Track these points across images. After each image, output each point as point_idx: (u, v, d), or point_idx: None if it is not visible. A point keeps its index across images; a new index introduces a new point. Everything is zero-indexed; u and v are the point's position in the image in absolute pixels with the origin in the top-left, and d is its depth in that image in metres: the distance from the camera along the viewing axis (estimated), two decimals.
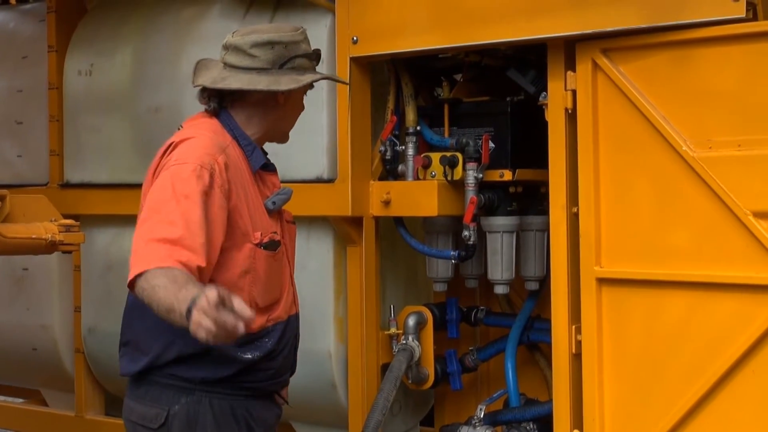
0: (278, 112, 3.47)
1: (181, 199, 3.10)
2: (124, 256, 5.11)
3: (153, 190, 3.20)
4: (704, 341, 3.57)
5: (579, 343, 3.85)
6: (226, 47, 3.44)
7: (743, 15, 3.45)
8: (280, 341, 3.42)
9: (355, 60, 4.30)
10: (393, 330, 4.41)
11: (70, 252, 4.40)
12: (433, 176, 4.28)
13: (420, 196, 4.27)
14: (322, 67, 4.42)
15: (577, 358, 3.87)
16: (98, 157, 5.31)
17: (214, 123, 3.42)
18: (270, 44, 3.39)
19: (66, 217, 4.35)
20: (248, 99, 3.42)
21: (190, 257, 3.01)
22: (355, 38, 4.27)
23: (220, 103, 3.44)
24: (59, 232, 4.16)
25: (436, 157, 4.29)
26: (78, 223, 4.32)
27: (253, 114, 3.44)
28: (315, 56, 3.49)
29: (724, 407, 3.55)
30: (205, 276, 3.09)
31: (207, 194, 3.14)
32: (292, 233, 3.61)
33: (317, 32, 4.46)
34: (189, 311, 2.75)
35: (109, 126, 5.24)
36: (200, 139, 3.29)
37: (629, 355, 3.75)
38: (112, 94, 5.23)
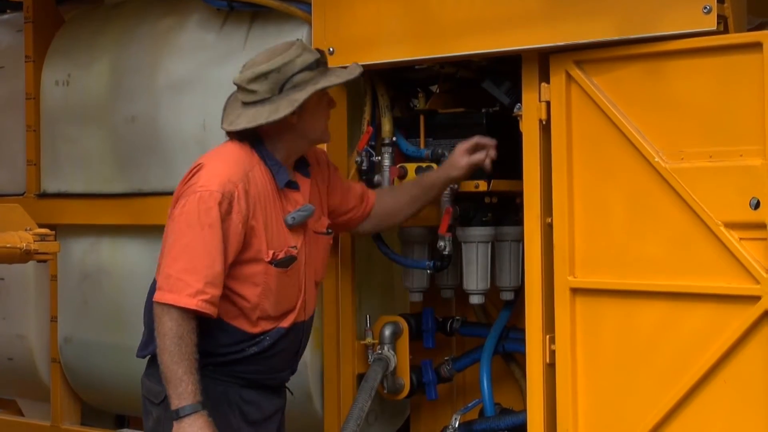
0: (296, 129, 3.66)
1: (206, 227, 3.48)
2: (101, 266, 5.21)
3: (181, 212, 3.53)
4: (677, 351, 3.59)
5: (553, 353, 3.86)
6: (235, 86, 3.65)
7: (714, 27, 3.47)
8: (278, 343, 3.71)
9: None
10: (369, 340, 4.41)
11: (45, 261, 4.40)
12: None
13: None
14: None
15: (551, 367, 3.88)
16: (75, 166, 5.31)
17: (243, 146, 3.66)
18: (263, 75, 3.57)
19: (43, 226, 4.34)
20: (265, 129, 3.63)
21: (213, 293, 3.48)
22: (331, 49, 4.29)
23: (246, 136, 3.66)
24: (34, 241, 4.16)
25: (411, 167, 4.31)
26: (53, 232, 4.31)
27: (275, 140, 3.68)
28: (316, 64, 3.62)
29: (697, 416, 3.57)
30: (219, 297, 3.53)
31: (225, 221, 3.51)
32: (321, 243, 3.86)
33: None
34: (176, 417, 3.40)
35: (86, 136, 5.25)
36: (224, 165, 3.59)
37: (602, 364, 3.76)
38: (89, 104, 5.24)
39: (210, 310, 3.49)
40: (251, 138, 3.67)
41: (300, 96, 3.55)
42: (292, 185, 3.72)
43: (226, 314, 3.63)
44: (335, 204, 4.02)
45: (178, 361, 3.41)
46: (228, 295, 3.61)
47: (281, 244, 3.65)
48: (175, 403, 3.42)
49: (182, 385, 3.41)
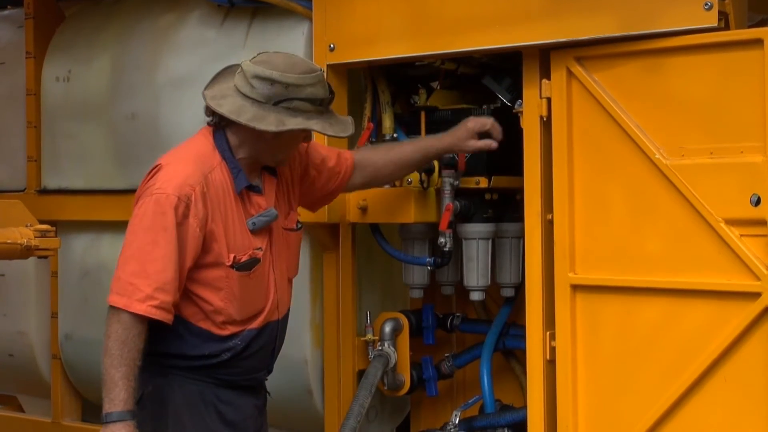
0: (267, 143, 3.58)
1: (159, 231, 3.40)
2: (101, 262, 5.20)
3: (137, 214, 3.47)
4: (677, 348, 3.59)
5: (553, 350, 3.86)
6: (240, 67, 3.56)
7: (715, 24, 3.47)
8: (251, 344, 3.64)
9: (332, 67, 4.31)
10: (369, 336, 4.42)
11: (45, 257, 4.39)
12: (410, 183, 4.29)
13: (396, 203, 4.29)
14: None
15: (551, 364, 3.88)
16: (75, 163, 5.31)
17: (206, 144, 3.59)
18: (270, 81, 3.48)
19: (43, 222, 4.34)
20: (240, 124, 3.52)
21: (163, 299, 3.39)
22: (332, 45, 4.29)
23: (220, 118, 3.57)
24: (35, 237, 4.16)
25: None
26: (53, 228, 4.31)
27: (245, 139, 3.58)
28: (320, 102, 3.53)
29: (696, 414, 3.57)
30: (173, 303, 3.45)
31: (182, 225, 3.43)
32: (291, 239, 3.80)
33: (294, 39, 4.48)
34: (103, 422, 3.37)
35: (86, 132, 5.25)
36: (183, 166, 3.50)
37: (603, 361, 3.77)
38: (89, 100, 5.24)
39: (160, 315, 3.40)
40: (217, 134, 3.60)
41: (288, 123, 3.46)
42: (253, 189, 3.63)
43: (192, 316, 3.56)
44: (310, 183, 3.94)
45: (117, 365, 3.35)
46: (192, 298, 3.55)
47: (245, 247, 3.57)
48: (106, 407, 3.36)
49: (115, 390, 3.35)
